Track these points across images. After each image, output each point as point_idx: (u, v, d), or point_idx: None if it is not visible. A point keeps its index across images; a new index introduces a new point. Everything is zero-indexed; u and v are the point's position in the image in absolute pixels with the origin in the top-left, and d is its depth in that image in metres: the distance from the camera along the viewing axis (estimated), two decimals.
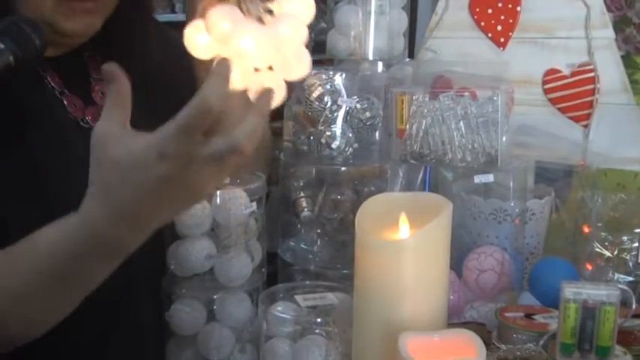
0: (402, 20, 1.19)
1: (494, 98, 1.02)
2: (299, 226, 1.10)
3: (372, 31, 1.15)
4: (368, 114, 1.05)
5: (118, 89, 0.69)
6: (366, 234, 0.75)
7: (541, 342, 0.79)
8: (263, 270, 0.97)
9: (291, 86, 1.05)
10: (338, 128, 1.03)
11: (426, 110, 1.03)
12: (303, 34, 0.69)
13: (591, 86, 1.19)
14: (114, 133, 0.68)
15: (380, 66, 1.17)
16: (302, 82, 1.04)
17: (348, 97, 1.04)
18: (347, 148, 1.03)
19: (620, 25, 1.55)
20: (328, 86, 1.04)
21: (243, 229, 0.93)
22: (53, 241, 0.71)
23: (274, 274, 1.05)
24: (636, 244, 0.98)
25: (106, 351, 0.95)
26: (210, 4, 0.76)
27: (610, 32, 1.20)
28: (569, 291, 0.74)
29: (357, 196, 1.07)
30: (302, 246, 1.09)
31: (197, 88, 0.64)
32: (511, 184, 1.04)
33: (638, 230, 0.99)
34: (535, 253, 1.13)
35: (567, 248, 1.12)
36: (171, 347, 0.96)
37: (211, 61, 0.69)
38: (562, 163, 1.19)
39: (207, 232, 0.92)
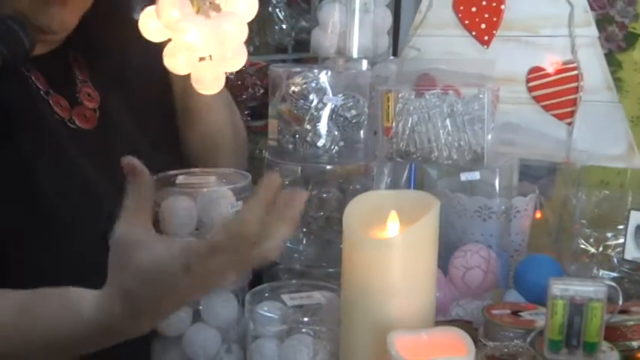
0: (387, 18, 1.19)
1: (481, 96, 1.02)
2: None
3: (356, 29, 1.15)
4: (353, 112, 1.04)
5: (138, 188, 0.68)
6: (354, 232, 0.75)
7: (528, 339, 0.79)
8: None
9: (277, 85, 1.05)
10: (323, 126, 1.03)
11: (412, 108, 1.03)
12: (245, 32, 0.73)
13: (575, 84, 1.19)
14: (137, 238, 0.67)
15: (364, 64, 1.17)
16: (287, 79, 1.03)
17: (333, 95, 1.04)
18: (332, 147, 1.03)
19: (602, 23, 1.56)
20: (313, 84, 1.03)
21: None
22: (63, 338, 0.70)
23: (259, 273, 1.05)
24: (621, 240, 0.99)
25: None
26: None
27: (593, 30, 1.20)
28: (557, 287, 0.74)
29: (342, 194, 1.06)
30: (287, 245, 1.09)
31: (171, 87, 0.63)
32: (497, 181, 1.04)
33: (621, 227, 1.00)
34: (519, 250, 1.13)
35: (551, 245, 1.12)
36: (156, 348, 0.95)
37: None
38: (546, 161, 1.19)
39: (193, 231, 0.91)
